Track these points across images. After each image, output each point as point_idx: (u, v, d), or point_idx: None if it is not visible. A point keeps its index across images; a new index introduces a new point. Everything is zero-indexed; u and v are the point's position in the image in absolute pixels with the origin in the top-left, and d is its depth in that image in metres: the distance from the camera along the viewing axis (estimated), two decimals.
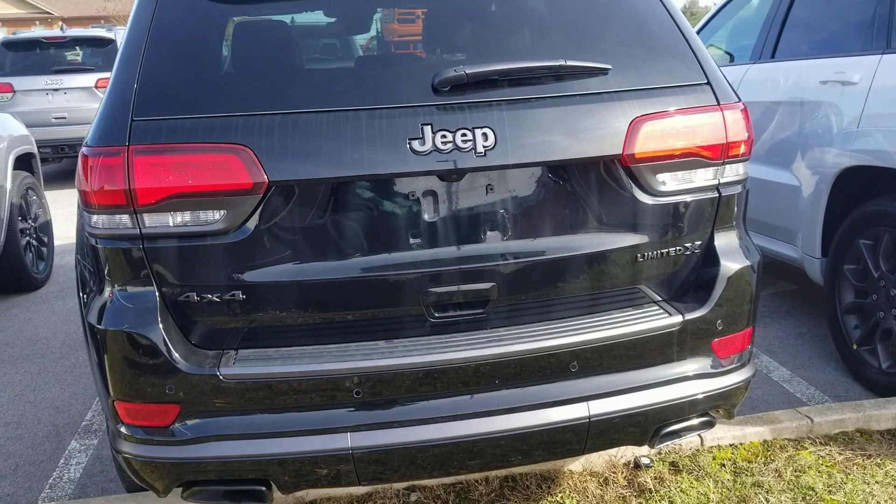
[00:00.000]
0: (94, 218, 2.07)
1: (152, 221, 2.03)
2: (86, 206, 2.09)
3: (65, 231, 7.00)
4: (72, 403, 3.91)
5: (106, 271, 2.11)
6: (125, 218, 2.03)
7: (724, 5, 5.47)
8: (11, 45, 10.64)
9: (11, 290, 5.73)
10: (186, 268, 2.08)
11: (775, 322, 4.58)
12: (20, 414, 3.82)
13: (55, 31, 11.30)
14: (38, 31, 15.88)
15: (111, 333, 2.09)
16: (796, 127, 4.10)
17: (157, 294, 2.09)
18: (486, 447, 2.22)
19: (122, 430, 2.18)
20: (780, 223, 4.26)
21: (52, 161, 10.72)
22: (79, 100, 10.10)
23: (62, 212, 7.71)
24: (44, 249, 6.09)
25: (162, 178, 2.00)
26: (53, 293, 5.79)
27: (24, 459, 3.39)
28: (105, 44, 10.59)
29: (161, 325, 2.07)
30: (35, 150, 6.19)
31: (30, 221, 5.87)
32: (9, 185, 5.47)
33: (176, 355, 2.07)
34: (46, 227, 6.18)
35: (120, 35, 10.53)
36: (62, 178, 11.00)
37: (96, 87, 10.02)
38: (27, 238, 5.78)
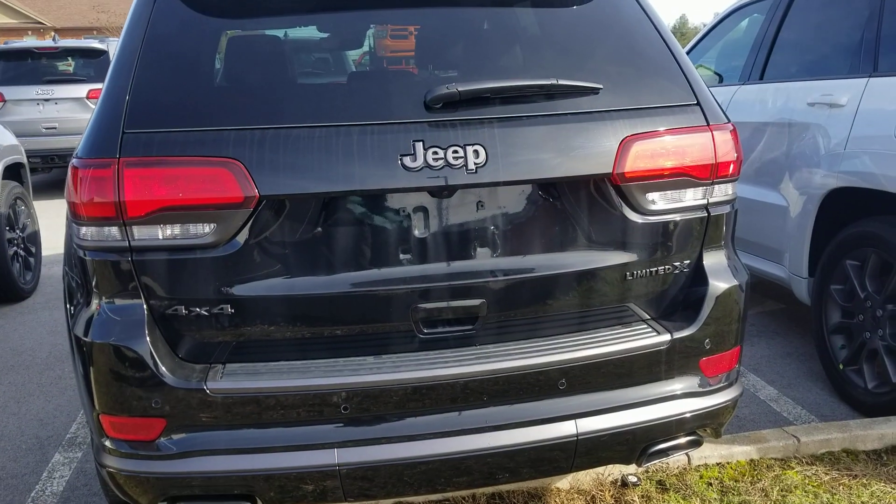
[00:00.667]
0: (83, 230, 2.06)
1: (141, 234, 2.02)
2: (75, 217, 2.09)
3: (53, 241, 6.94)
4: (56, 416, 3.87)
5: (94, 283, 2.10)
6: (114, 230, 2.02)
7: (714, 26, 5.53)
8: (3, 54, 10.60)
9: None
10: (175, 281, 2.07)
11: (762, 341, 4.60)
12: (3, 426, 3.78)
13: (47, 42, 11.28)
14: (29, 42, 15.84)
15: (98, 346, 2.08)
16: (784, 148, 4.14)
17: (144, 307, 2.08)
18: (473, 464, 2.21)
19: (107, 443, 2.16)
20: (768, 243, 4.29)
21: (41, 171, 10.68)
22: (70, 110, 10.07)
23: (51, 222, 7.66)
24: (31, 260, 6.05)
25: (152, 191, 1.99)
26: (40, 304, 5.75)
27: (7, 472, 3.35)
28: (97, 55, 10.57)
29: (148, 339, 2.06)
30: (24, 160, 6.18)
31: (17, 231, 5.84)
32: None
33: (163, 369, 2.06)
34: (34, 238, 6.15)
35: (112, 46, 10.55)
36: (51, 188, 10.95)
37: (88, 97, 10.00)
38: (14, 248, 5.75)
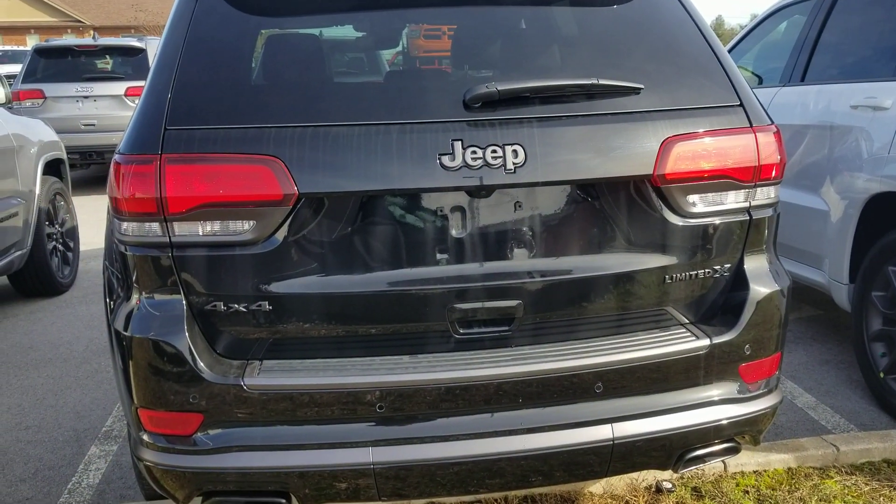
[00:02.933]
0: (125, 225, 2.09)
1: (182, 230, 2.04)
2: (116, 212, 2.11)
3: (90, 237, 7.07)
4: (93, 409, 3.92)
5: (134, 278, 2.12)
6: (155, 226, 2.04)
7: (754, 27, 5.45)
8: (44, 52, 10.80)
9: (36, 294, 5.79)
10: (214, 277, 2.08)
11: (800, 348, 4.53)
12: (41, 418, 3.84)
13: (87, 40, 11.45)
14: (70, 39, 16.10)
15: (137, 340, 2.10)
16: (825, 151, 4.07)
17: (184, 302, 2.10)
18: (507, 466, 2.19)
19: (145, 437, 2.18)
20: (808, 248, 4.22)
21: (80, 167, 10.84)
22: (108, 107, 10.21)
23: (89, 217, 7.79)
24: (69, 254, 6.15)
25: (193, 188, 2.01)
26: (77, 298, 5.83)
27: (44, 463, 3.40)
28: (136, 53, 10.70)
29: (187, 334, 2.08)
30: (64, 156, 6.26)
31: (57, 226, 5.93)
32: (37, 190, 5.53)
33: (201, 364, 2.08)
34: (73, 233, 6.24)
35: (151, 45, 10.68)
36: (90, 184, 11.13)
37: (126, 95, 10.13)
38: (54, 243, 5.84)
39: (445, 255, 2.16)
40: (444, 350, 2.21)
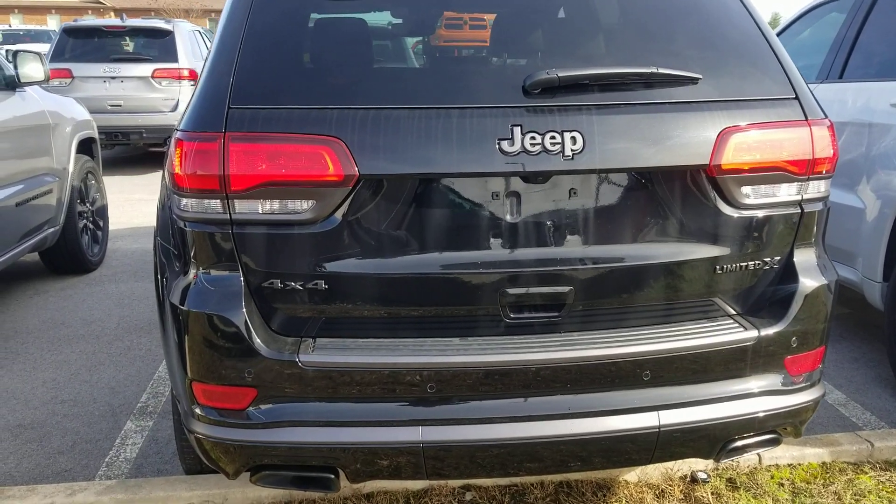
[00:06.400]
0: (184, 201, 2.11)
1: (243, 208, 2.07)
2: (176, 189, 2.14)
3: (117, 216, 7.12)
4: (127, 385, 3.97)
5: (192, 254, 2.15)
6: (216, 203, 2.07)
7: (791, 24, 5.42)
8: (72, 31, 10.81)
9: (67, 272, 5.84)
10: (272, 255, 2.11)
11: (830, 345, 4.48)
12: (76, 392, 3.89)
13: (115, 20, 11.48)
14: (98, 20, 16.11)
15: (194, 315, 2.13)
16: (863, 149, 4.05)
17: (241, 279, 2.13)
18: (546, 451, 2.21)
19: (197, 410, 2.21)
20: (841, 245, 4.20)
21: (105, 148, 10.88)
22: (135, 88, 10.22)
23: (114, 198, 7.84)
24: (99, 233, 6.19)
25: (255, 166, 2.03)
26: (107, 276, 5.88)
27: (81, 437, 3.45)
28: (163, 35, 10.66)
29: (244, 310, 2.11)
30: (96, 135, 6.29)
31: (88, 205, 5.97)
32: (71, 168, 5.57)
33: (257, 340, 2.11)
34: (103, 212, 6.28)
35: (178, 27, 10.67)
36: (115, 164, 11.17)
37: (153, 77, 10.13)
38: (84, 221, 5.88)
39: (499, 240, 2.18)
40: (495, 333, 2.23)
